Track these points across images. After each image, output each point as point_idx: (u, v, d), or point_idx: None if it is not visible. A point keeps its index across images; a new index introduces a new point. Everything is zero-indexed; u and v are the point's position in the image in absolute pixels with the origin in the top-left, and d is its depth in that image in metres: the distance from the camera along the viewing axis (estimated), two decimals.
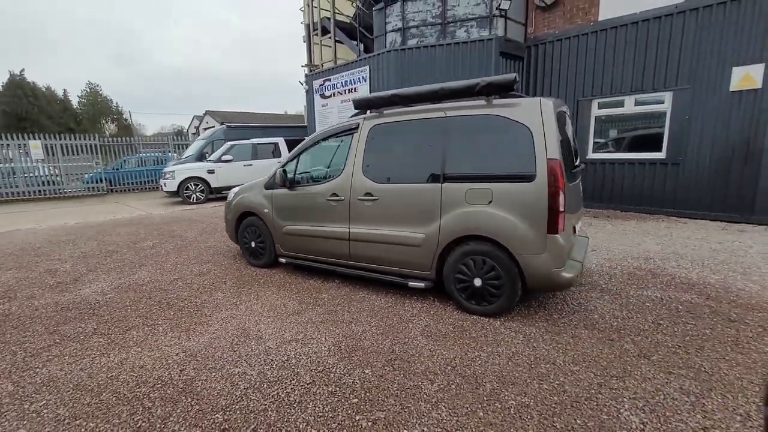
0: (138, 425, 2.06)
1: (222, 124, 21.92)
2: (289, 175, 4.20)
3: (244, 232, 4.78)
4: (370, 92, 9.02)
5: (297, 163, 4.21)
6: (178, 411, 2.16)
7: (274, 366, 2.58)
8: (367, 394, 2.28)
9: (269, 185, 4.39)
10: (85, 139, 14.94)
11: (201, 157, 12.45)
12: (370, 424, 2.04)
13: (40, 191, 14.11)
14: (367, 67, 9.16)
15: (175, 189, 10.93)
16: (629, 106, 7.24)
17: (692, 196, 6.63)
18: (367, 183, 3.62)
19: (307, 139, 4.26)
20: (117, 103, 54.27)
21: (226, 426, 2.04)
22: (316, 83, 10.84)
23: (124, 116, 52.34)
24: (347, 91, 9.87)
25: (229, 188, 11.11)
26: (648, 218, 6.79)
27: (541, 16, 8.26)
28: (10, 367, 2.66)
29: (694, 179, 6.59)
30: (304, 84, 11.24)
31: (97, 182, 15.11)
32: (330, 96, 10.50)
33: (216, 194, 11.34)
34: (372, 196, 3.59)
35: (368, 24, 10.47)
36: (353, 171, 3.71)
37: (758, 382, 2.29)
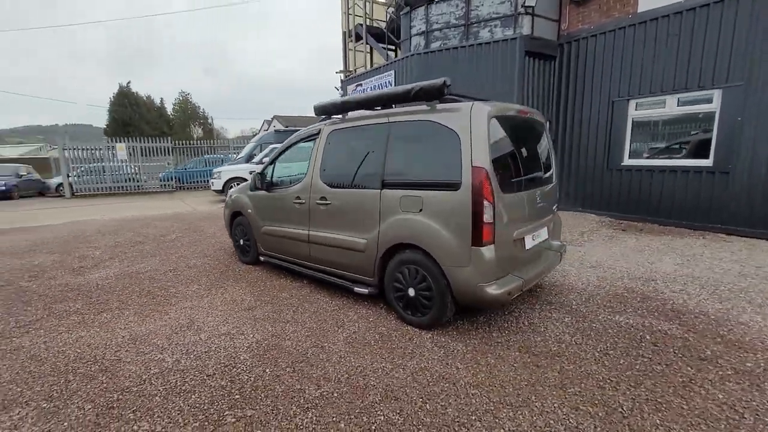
0: (51, 394, 2.37)
1: (287, 127, 23.40)
2: (267, 178, 4.43)
3: (235, 230, 5.12)
4: None
5: (274, 166, 4.42)
6: (88, 387, 2.43)
7: (191, 356, 2.77)
8: (252, 391, 2.36)
9: (252, 187, 4.65)
10: (160, 142, 16.91)
11: (250, 158, 13.43)
12: (233, 420, 2.12)
13: (123, 187, 16.29)
14: (392, 72, 9.21)
15: (220, 188, 11.92)
16: (671, 106, 6.40)
17: (743, 211, 5.67)
18: (323, 187, 3.69)
19: (283, 143, 4.45)
20: (204, 109, 60.58)
21: (114, 405, 2.25)
22: (350, 88, 11.13)
23: (209, 121, 58.23)
24: None
25: None
26: (688, 234, 5.94)
27: (575, 10, 7.64)
28: None
29: (746, 191, 5.63)
30: (339, 90, 11.61)
31: (168, 180, 17.05)
32: None
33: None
34: (326, 200, 3.66)
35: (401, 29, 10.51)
36: (313, 175, 3.81)
37: None
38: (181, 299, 3.85)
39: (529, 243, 3.14)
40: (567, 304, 3.52)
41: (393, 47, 11.62)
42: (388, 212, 3.15)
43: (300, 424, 2.07)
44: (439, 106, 3.02)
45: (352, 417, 2.12)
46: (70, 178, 15.75)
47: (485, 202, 2.64)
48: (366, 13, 11.17)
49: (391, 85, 9.37)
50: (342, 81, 11.68)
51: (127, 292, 4.09)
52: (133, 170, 16.69)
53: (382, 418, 2.10)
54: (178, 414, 2.16)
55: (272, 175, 4.41)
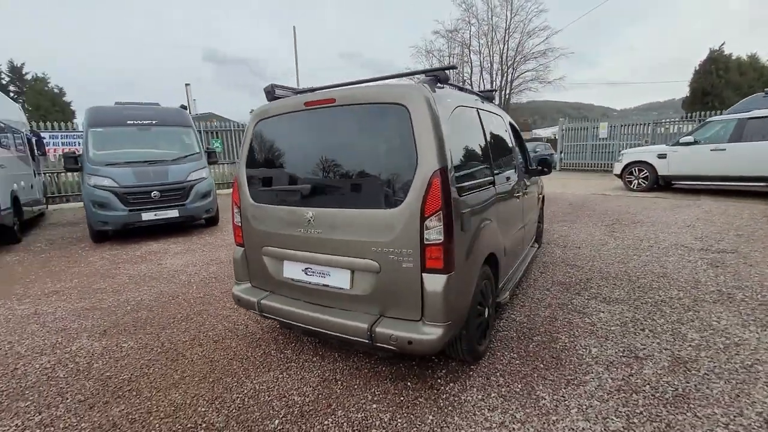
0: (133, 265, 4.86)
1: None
2: None
3: None
4: None
5: None
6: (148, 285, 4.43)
7: (166, 281, 4.40)
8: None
9: None
10: (642, 123, 15.45)
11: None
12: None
13: (596, 164, 16.34)
14: None
15: (618, 172, 10.22)
16: None
17: None
18: None
19: None
20: None
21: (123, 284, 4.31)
22: None
23: None
24: None
25: (684, 178, 8.99)
26: None
27: None
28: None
29: None
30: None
31: None
32: None
33: (667, 183, 9.47)
34: None
35: None
36: None
37: None
38: None
39: (290, 272, 2.50)
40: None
41: None
42: None
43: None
44: None
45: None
46: (561, 154, 17.49)
47: (233, 204, 2.77)
48: None
49: None
50: None
51: None
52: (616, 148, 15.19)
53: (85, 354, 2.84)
54: (119, 302, 3.82)
55: None
